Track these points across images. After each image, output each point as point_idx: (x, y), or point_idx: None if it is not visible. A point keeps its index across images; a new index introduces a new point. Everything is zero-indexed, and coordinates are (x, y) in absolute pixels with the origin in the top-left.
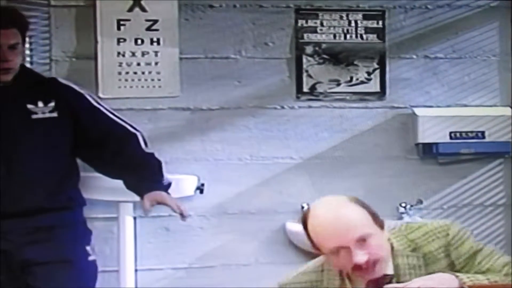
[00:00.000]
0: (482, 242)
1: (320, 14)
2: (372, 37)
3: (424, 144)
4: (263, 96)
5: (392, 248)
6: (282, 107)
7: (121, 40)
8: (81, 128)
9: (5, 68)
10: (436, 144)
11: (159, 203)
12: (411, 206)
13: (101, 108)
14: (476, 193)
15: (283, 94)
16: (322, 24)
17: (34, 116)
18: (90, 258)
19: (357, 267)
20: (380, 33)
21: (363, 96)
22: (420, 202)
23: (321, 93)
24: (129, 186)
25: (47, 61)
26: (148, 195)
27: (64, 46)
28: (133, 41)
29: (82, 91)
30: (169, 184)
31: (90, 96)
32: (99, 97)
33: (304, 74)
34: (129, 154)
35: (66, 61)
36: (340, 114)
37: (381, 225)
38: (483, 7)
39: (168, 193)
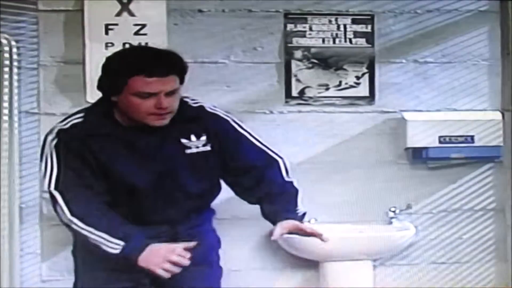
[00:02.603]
0: (472, 246)
1: (309, 18)
2: (361, 41)
3: (413, 148)
4: (253, 101)
5: None
6: (272, 112)
7: (109, 44)
8: (227, 157)
9: (162, 115)
10: (426, 148)
11: (290, 232)
12: (401, 210)
13: (246, 135)
14: (466, 197)
15: (273, 99)
16: (311, 29)
17: (188, 151)
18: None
19: None
20: (369, 37)
21: (353, 101)
22: (410, 206)
23: (310, 97)
24: (264, 214)
25: (35, 66)
26: (281, 223)
27: (52, 50)
28: (121, 45)
29: (228, 118)
30: (304, 215)
31: (235, 121)
32: (87, 102)
33: (293, 79)
34: (270, 183)
35: (54, 66)
36: (329, 118)
37: None
38: (473, 12)
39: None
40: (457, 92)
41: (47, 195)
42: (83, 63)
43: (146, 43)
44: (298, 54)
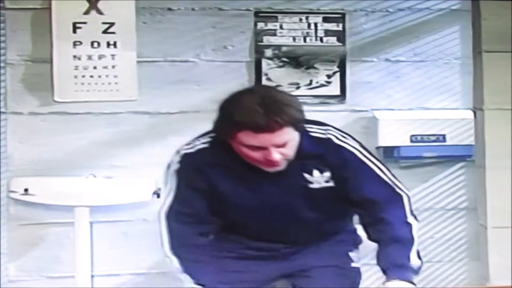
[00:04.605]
0: (444, 245)
1: (280, 17)
2: (333, 40)
3: (385, 147)
4: None
5: None
6: None
7: (77, 43)
8: (348, 190)
9: (274, 164)
10: (397, 147)
11: None
12: None
13: (372, 167)
14: (437, 196)
15: None
16: (281, 27)
17: (311, 186)
18: (353, 264)
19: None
20: (340, 36)
21: (324, 100)
22: None
23: None
24: (377, 258)
25: (2, 64)
26: (391, 283)
27: (20, 49)
28: (89, 44)
29: (355, 150)
30: (418, 269)
31: (362, 152)
32: (55, 101)
33: (264, 78)
34: (388, 225)
35: (22, 64)
36: None
37: None
38: (444, 10)
39: (413, 284)
40: (429, 91)
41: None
42: (51, 61)
43: (115, 42)
44: (268, 52)
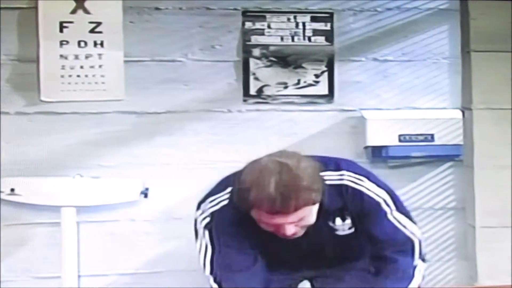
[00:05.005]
0: (432, 245)
1: (268, 16)
2: (321, 39)
3: (373, 147)
4: (211, 100)
5: None
6: (230, 111)
7: (64, 42)
8: (365, 230)
9: (290, 237)
10: (386, 147)
11: None
12: None
13: (387, 211)
14: (426, 196)
15: (231, 98)
16: (269, 27)
17: (336, 233)
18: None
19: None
20: (328, 35)
21: (312, 99)
22: None
23: (268, 96)
24: None
25: None
26: None
27: (6, 49)
28: (76, 43)
29: (371, 193)
30: None
31: (376, 193)
32: (41, 101)
33: (252, 77)
34: (395, 261)
35: (8, 64)
36: (288, 117)
37: None
38: (433, 10)
39: None
40: (418, 91)
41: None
42: (37, 61)
43: (102, 41)
44: (256, 52)
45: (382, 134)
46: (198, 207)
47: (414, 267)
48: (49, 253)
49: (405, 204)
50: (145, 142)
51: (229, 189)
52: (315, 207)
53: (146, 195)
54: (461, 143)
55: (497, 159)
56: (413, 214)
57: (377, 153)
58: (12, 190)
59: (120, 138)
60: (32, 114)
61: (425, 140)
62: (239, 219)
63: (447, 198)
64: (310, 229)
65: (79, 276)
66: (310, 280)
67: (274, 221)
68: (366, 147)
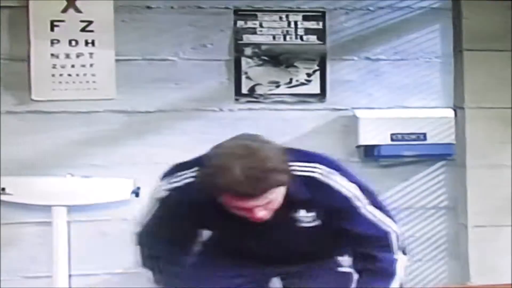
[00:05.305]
0: (424, 244)
1: (260, 15)
2: (313, 38)
3: (365, 146)
4: (202, 99)
5: None
6: (221, 110)
7: (55, 41)
8: (337, 231)
9: (258, 221)
10: (378, 146)
11: None
12: None
13: (356, 203)
14: (418, 195)
15: (222, 97)
16: (261, 25)
17: (299, 224)
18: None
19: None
20: (320, 34)
21: (304, 98)
22: None
23: (260, 95)
24: None
25: None
26: None
27: None
28: (67, 42)
29: (340, 187)
30: None
31: (346, 188)
32: (32, 100)
33: (243, 76)
34: (373, 256)
35: None
36: (280, 116)
37: None
38: (425, 9)
39: None
40: (410, 90)
41: None
42: (28, 60)
43: (93, 40)
44: (248, 51)
45: (374, 133)
46: (162, 179)
47: (394, 262)
48: (40, 253)
49: (388, 201)
50: (137, 141)
51: (196, 168)
52: (283, 189)
53: (137, 194)
54: (453, 142)
55: (489, 158)
56: (404, 213)
57: (369, 152)
58: (3, 189)
59: (111, 137)
60: (23, 113)
61: (417, 139)
62: (198, 202)
63: (439, 197)
64: (272, 218)
65: (70, 276)
66: (281, 279)
67: (242, 204)
68: (358, 146)
